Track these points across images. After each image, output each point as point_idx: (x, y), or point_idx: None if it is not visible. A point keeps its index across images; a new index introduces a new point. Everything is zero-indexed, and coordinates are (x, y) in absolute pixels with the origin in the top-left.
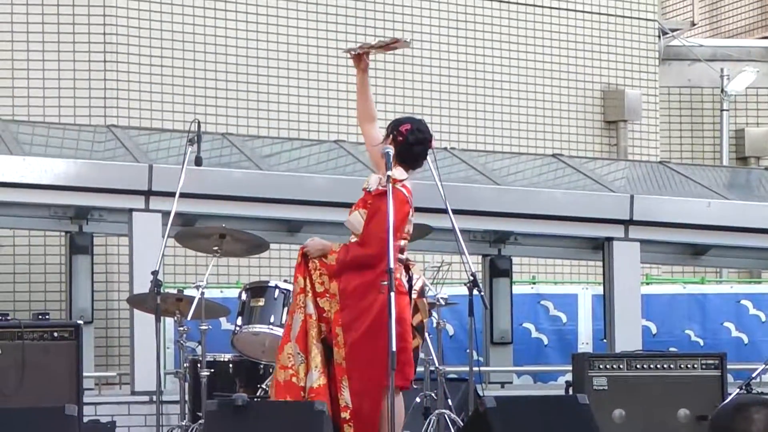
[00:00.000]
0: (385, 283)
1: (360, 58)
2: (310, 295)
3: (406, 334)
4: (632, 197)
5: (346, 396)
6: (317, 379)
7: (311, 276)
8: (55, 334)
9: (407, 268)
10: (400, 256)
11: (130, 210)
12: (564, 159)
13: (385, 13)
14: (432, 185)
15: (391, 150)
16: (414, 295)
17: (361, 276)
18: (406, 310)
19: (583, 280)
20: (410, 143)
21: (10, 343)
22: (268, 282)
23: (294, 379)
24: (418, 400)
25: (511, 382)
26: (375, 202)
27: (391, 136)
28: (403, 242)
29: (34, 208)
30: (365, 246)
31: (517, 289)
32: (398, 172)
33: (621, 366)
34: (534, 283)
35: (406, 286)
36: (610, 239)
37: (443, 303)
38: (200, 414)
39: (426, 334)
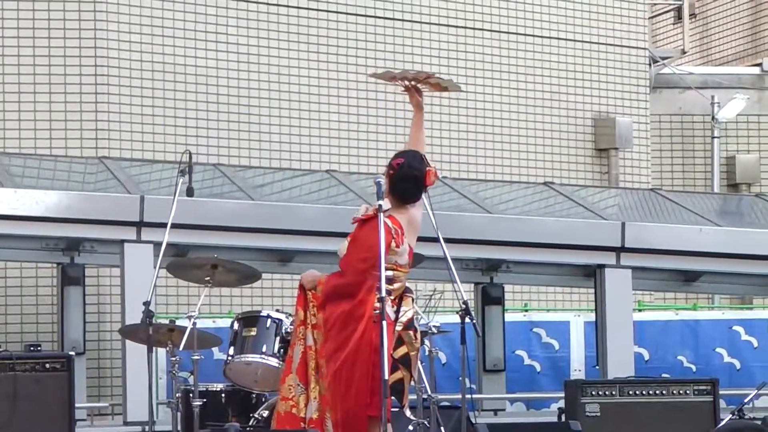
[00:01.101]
0: (378, 312)
1: (411, 93)
2: (309, 327)
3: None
4: (624, 224)
5: (329, 427)
6: (316, 409)
7: (309, 308)
8: (47, 366)
9: (400, 300)
10: (386, 286)
11: (122, 241)
12: (555, 187)
13: (377, 43)
14: (424, 214)
15: (383, 180)
16: (399, 328)
17: (341, 306)
18: (387, 340)
19: (576, 308)
20: (398, 178)
21: (2, 374)
22: (260, 312)
23: (294, 410)
24: (411, 428)
25: (504, 410)
26: (354, 231)
27: (387, 167)
28: (390, 273)
29: (25, 240)
30: (342, 275)
31: (509, 317)
32: (383, 204)
33: (613, 392)
34: (526, 311)
35: (392, 317)
36: (601, 266)
37: (435, 331)
38: None
39: (418, 363)
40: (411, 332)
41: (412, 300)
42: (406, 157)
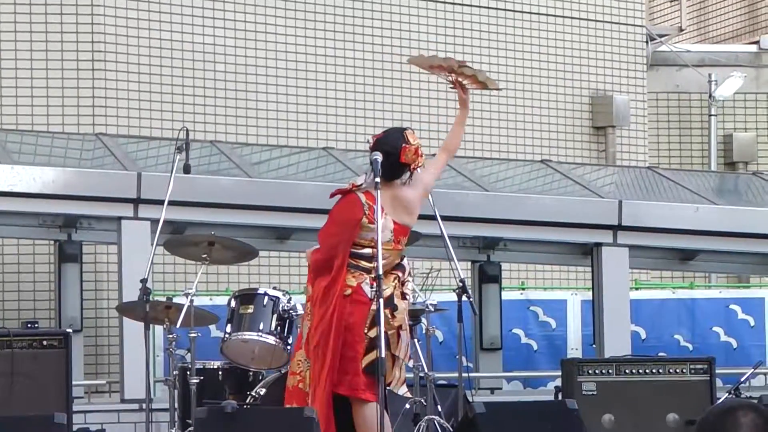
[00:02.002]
0: (374, 289)
1: (457, 88)
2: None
3: (355, 344)
4: (621, 203)
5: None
6: None
7: None
8: (45, 343)
9: (388, 277)
10: (364, 264)
11: (119, 218)
12: (552, 165)
13: (374, 20)
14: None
15: (380, 158)
16: (374, 306)
17: (322, 281)
18: (360, 319)
19: (572, 286)
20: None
21: (0, 352)
22: (257, 289)
23: (300, 385)
24: (407, 406)
25: (500, 388)
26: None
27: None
28: (368, 250)
29: (23, 216)
30: (318, 250)
31: (506, 295)
32: (360, 179)
33: (610, 371)
34: (523, 289)
35: (370, 295)
36: (598, 245)
37: (432, 309)
38: (190, 421)
39: (405, 341)
40: (387, 311)
41: (397, 278)
42: (387, 133)
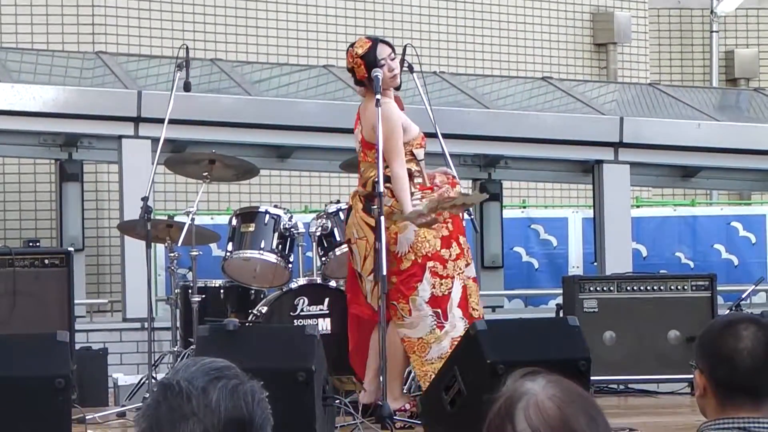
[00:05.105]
0: (375, 207)
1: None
2: None
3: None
4: (622, 119)
5: None
6: None
7: None
8: (46, 262)
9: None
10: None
11: (120, 137)
12: (554, 82)
13: None
14: (421, 109)
15: (380, 74)
16: None
17: None
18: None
19: (574, 204)
20: None
21: (1, 270)
22: (258, 207)
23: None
24: None
25: (502, 306)
26: None
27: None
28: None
29: (23, 135)
30: None
31: (507, 213)
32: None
33: (611, 288)
34: (524, 207)
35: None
36: (600, 162)
37: None
38: (191, 340)
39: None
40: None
41: (357, 193)
42: None
